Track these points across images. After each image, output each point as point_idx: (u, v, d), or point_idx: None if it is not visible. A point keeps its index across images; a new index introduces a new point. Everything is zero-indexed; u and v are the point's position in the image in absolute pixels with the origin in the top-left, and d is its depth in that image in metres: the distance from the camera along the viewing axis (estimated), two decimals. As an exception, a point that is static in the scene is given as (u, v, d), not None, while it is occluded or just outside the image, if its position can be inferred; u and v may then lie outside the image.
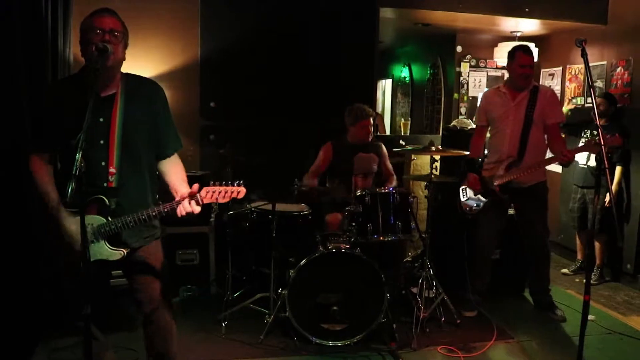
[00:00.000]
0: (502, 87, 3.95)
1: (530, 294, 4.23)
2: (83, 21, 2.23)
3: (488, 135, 4.09)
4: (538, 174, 3.80)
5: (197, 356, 3.17)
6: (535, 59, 6.00)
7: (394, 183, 4.28)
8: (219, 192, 2.22)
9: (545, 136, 3.84)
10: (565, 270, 5.09)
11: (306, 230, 3.89)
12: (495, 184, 3.76)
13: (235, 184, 2.24)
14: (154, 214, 2.25)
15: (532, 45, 5.95)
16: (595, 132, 4.70)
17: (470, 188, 3.91)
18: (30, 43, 3.10)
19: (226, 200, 2.24)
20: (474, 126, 5.91)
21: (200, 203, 2.25)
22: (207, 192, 2.23)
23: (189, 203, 2.25)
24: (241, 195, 2.25)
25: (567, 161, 3.53)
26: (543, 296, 4.04)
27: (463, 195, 4.01)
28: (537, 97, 3.77)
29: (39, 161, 2.30)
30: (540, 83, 6.24)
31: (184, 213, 2.26)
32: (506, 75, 6.66)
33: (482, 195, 3.88)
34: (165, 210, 2.26)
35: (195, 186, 2.27)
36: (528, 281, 4.32)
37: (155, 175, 2.46)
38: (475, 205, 3.91)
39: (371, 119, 4.18)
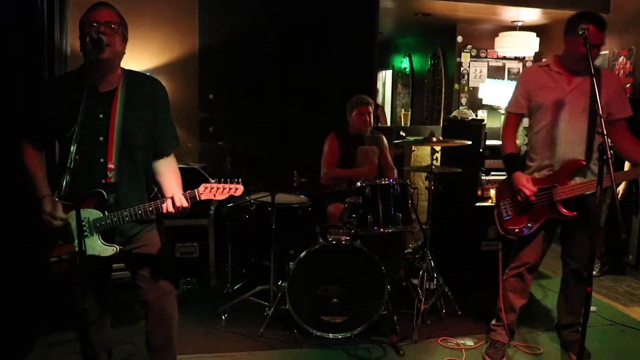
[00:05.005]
0: (552, 64, 2.98)
1: None
2: (81, 17, 2.22)
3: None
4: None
5: (197, 349, 3.16)
6: (537, 49, 6.01)
7: (395, 177, 4.26)
8: (217, 189, 2.23)
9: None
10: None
11: (306, 222, 3.88)
12: (556, 199, 2.84)
13: (234, 182, 2.25)
14: (150, 209, 2.24)
15: (533, 35, 5.92)
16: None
17: (520, 193, 2.90)
18: (26, 34, 3.06)
19: (224, 197, 2.24)
20: (474, 117, 5.88)
21: (198, 199, 2.24)
22: (205, 188, 2.24)
23: (185, 199, 2.24)
24: (238, 193, 2.25)
25: None
26: None
27: (505, 212, 3.08)
28: (600, 84, 2.74)
29: (29, 147, 2.32)
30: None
31: (172, 209, 2.23)
32: (507, 66, 6.68)
33: (535, 207, 2.92)
34: (163, 204, 2.26)
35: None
36: None
37: (151, 173, 2.45)
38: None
39: (370, 108, 4.19)
